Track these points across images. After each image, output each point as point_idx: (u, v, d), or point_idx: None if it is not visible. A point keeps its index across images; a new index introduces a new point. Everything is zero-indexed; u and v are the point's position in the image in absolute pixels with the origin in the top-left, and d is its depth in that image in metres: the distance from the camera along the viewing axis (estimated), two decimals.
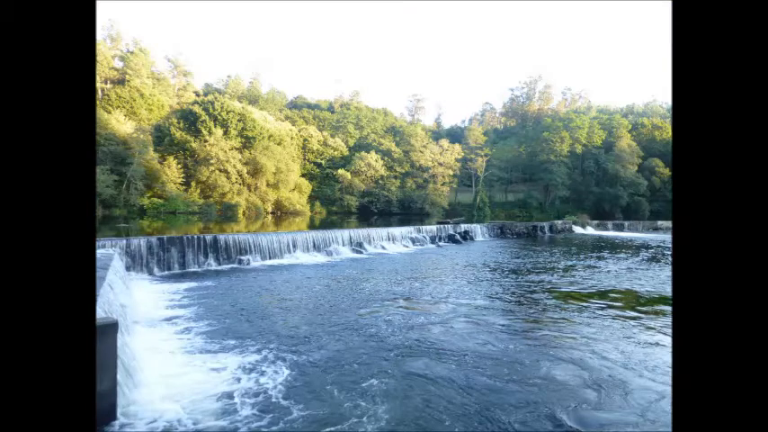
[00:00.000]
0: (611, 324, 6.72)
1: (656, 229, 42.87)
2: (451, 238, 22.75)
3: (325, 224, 28.48)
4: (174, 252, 11.72)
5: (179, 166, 42.66)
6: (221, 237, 12.89)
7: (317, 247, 15.55)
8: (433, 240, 21.62)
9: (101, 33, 49.94)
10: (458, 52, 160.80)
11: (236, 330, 6.09)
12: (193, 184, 42.70)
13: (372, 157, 55.60)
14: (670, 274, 8.16)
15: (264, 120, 53.50)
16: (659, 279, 11.58)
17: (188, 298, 8.21)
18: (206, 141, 44.57)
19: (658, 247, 22.94)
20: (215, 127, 46.41)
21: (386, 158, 57.65)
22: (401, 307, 7.72)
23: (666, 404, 3.97)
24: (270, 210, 47.12)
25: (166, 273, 11.26)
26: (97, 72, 43.67)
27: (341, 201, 53.68)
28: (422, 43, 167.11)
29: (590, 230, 38.81)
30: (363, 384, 4.29)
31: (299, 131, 59.04)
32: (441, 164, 58.11)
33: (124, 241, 10.83)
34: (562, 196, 55.38)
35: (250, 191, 46.34)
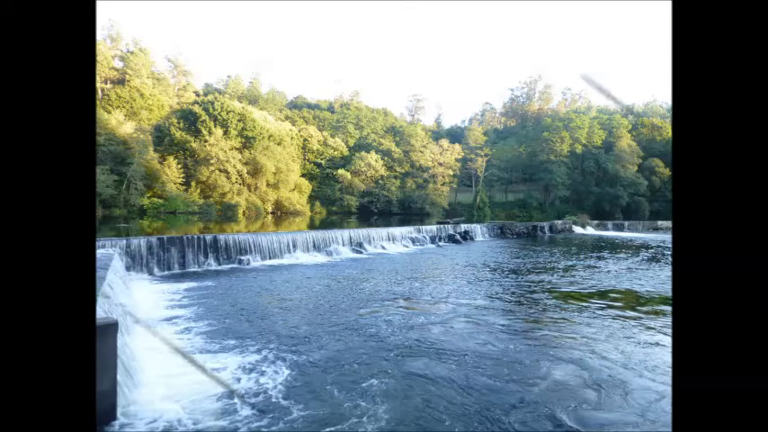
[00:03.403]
0: (611, 324, 6.72)
1: (656, 229, 42.86)
2: (451, 238, 22.75)
3: (326, 224, 28.48)
4: (174, 252, 11.72)
5: (179, 166, 42.64)
6: (221, 237, 12.89)
7: (317, 247, 15.54)
8: (433, 240, 21.62)
9: (101, 33, 49.91)
10: (458, 52, 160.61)
11: (236, 330, 6.09)
12: (193, 184, 42.69)
13: (372, 157, 55.60)
14: (670, 274, 8.16)
15: (264, 120, 53.50)
16: (659, 279, 11.58)
17: (188, 298, 8.21)
18: (206, 141, 44.55)
19: (658, 247, 22.94)
20: (215, 127, 46.39)
21: (386, 158, 57.64)
22: (401, 307, 7.72)
23: (666, 404, 3.97)
24: (270, 210, 47.11)
25: (166, 273, 11.26)
26: (97, 72, 43.68)
27: (341, 201, 53.67)
28: (422, 43, 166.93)
29: (590, 230, 38.81)
30: (363, 384, 4.29)
31: (299, 131, 59.03)
32: (441, 164, 58.10)
33: (124, 241, 10.83)
34: (562, 196, 55.37)
35: (250, 191, 46.33)
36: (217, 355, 5.04)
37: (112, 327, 3.33)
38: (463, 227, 25.15)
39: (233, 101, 53.32)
